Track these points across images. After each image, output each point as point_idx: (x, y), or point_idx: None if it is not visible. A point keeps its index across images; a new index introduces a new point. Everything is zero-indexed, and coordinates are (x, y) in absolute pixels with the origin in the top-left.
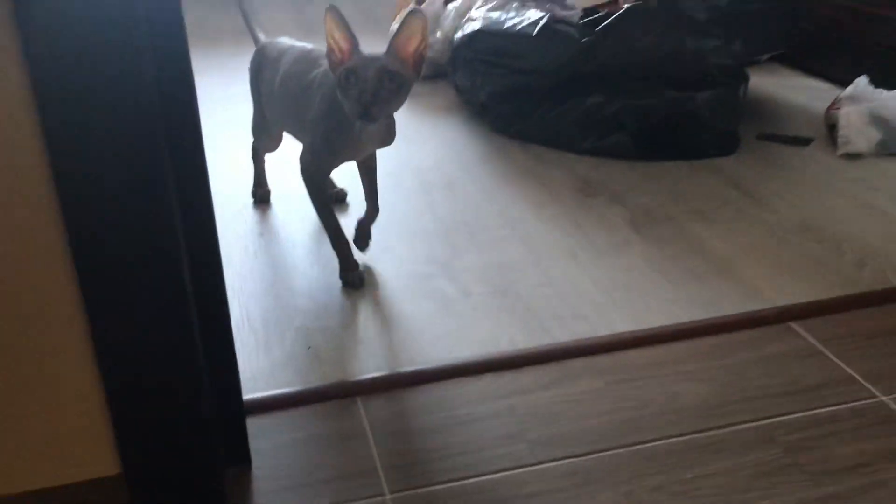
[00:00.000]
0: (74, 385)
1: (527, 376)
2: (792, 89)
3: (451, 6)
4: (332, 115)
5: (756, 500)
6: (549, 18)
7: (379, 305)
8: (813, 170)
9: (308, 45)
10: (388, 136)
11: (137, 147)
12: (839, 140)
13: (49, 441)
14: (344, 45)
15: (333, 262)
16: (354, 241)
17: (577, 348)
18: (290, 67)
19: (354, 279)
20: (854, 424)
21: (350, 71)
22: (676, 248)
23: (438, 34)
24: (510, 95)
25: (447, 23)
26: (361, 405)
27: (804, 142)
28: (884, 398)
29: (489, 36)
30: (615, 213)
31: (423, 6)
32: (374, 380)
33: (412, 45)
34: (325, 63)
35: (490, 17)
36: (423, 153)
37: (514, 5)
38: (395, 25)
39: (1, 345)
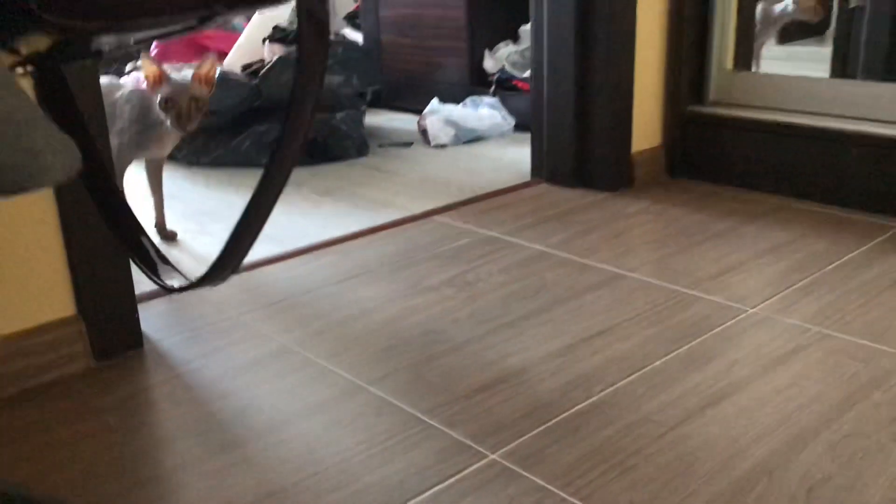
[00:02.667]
0: (43, 245)
1: (314, 259)
2: (391, 120)
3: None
4: (142, 122)
5: (433, 276)
6: (220, 72)
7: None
8: (418, 156)
9: (104, 79)
10: (179, 137)
11: None
12: (430, 138)
13: (22, 291)
14: (159, 75)
15: None
16: (163, 240)
17: (328, 242)
18: None
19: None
20: (474, 244)
21: (168, 98)
22: (354, 201)
23: None
24: (198, 133)
25: None
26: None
27: (408, 144)
28: (484, 231)
29: None
30: (308, 190)
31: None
32: None
33: (207, 73)
34: (126, 87)
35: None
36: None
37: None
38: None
39: None
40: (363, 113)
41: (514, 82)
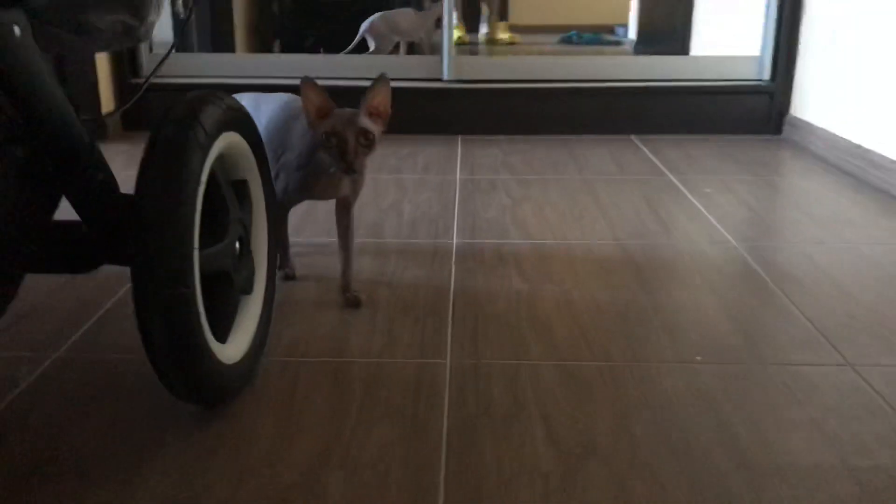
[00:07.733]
0: None
1: None
2: None
3: None
4: (311, 163)
5: None
6: None
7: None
8: None
9: (283, 96)
10: (358, 186)
11: None
12: None
13: None
14: (323, 108)
15: None
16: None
17: None
18: (273, 116)
19: (289, 272)
20: None
21: (331, 133)
22: None
23: None
24: None
25: None
26: None
27: None
28: None
29: None
30: None
31: None
32: None
33: (382, 105)
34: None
35: None
36: None
37: None
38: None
39: None
40: None
41: None
